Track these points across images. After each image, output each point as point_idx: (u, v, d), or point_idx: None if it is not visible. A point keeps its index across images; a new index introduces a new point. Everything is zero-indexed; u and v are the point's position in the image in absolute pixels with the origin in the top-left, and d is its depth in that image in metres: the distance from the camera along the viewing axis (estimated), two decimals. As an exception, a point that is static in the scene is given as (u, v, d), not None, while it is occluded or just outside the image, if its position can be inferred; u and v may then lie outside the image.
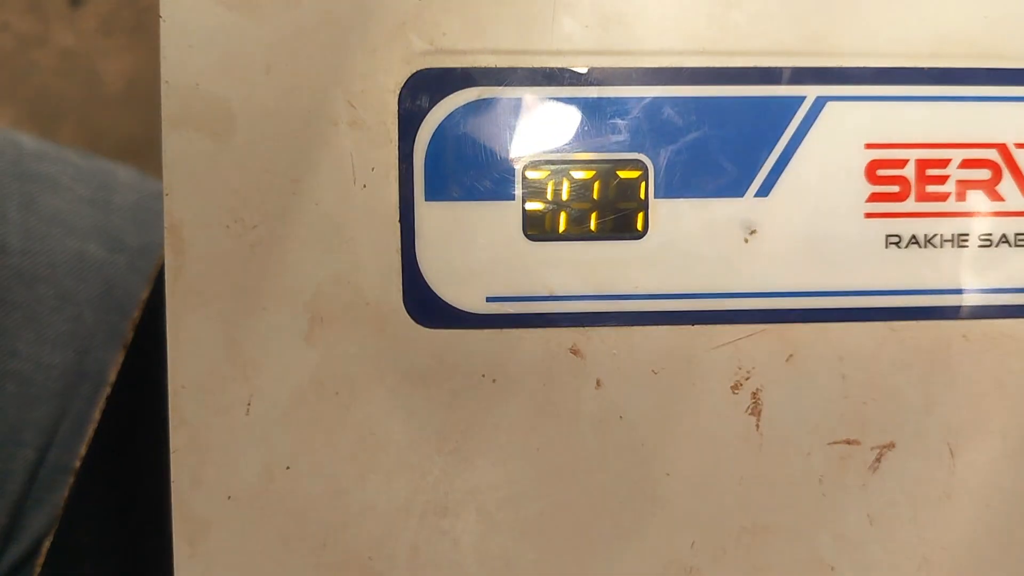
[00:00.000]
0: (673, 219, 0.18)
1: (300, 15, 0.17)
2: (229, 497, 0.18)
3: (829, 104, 0.18)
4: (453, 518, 0.18)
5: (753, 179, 0.18)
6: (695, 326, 0.18)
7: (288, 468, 0.18)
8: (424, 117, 0.18)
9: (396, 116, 0.18)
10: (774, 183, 0.18)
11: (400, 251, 0.18)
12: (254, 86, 0.17)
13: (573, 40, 0.18)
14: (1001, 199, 0.18)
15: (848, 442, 0.19)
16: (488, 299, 0.18)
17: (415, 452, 0.18)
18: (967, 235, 0.18)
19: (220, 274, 0.17)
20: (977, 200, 0.18)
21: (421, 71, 0.18)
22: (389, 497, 0.18)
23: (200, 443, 0.18)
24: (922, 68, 0.18)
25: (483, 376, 0.18)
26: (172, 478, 0.18)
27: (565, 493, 0.18)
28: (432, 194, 0.18)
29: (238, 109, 0.17)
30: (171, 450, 0.18)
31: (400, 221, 0.18)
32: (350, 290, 0.18)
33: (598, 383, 0.18)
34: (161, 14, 0.17)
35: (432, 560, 0.18)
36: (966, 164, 0.18)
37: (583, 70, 0.18)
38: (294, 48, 0.17)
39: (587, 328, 0.18)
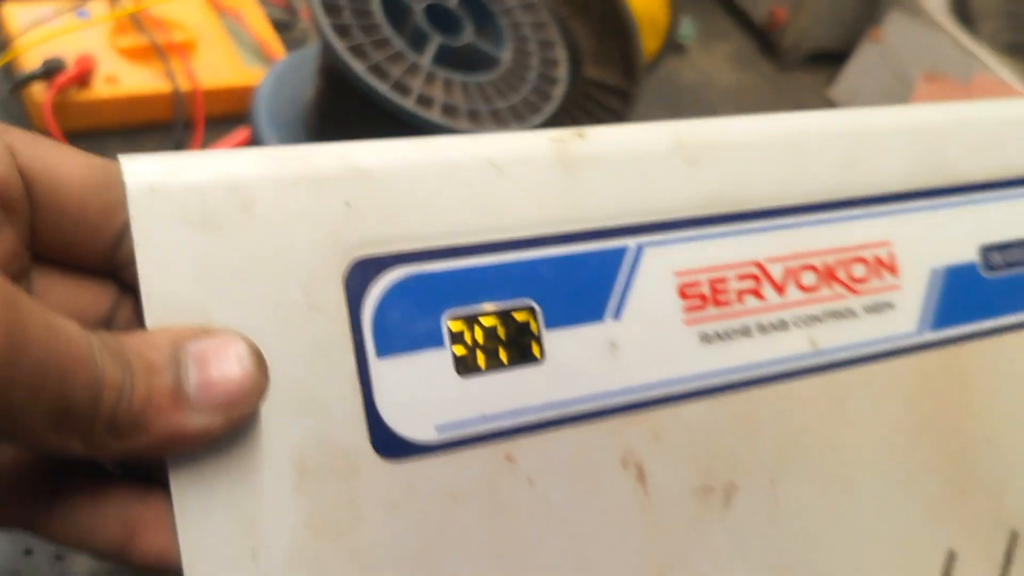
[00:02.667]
0: (560, 345, 0.24)
1: (253, 228, 0.21)
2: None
3: (646, 248, 0.25)
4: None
5: (607, 307, 0.25)
6: (588, 423, 0.24)
7: (294, 605, 0.21)
8: (366, 294, 0.22)
9: (344, 297, 0.22)
10: (622, 308, 0.25)
11: (363, 403, 0.22)
12: (225, 289, 0.21)
13: (468, 225, 0.24)
14: (763, 299, 0.27)
15: (705, 488, 0.25)
16: (437, 428, 0.23)
17: (399, 571, 0.22)
18: (749, 326, 0.26)
19: (211, 445, 0.20)
20: (750, 301, 0.27)
21: (358, 261, 0.22)
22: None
23: (212, 599, 0.20)
24: (699, 217, 0.26)
25: (444, 493, 0.22)
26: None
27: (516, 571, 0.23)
28: (382, 352, 0.22)
29: (212, 309, 0.21)
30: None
31: (359, 379, 0.22)
32: (325, 442, 0.21)
33: (530, 481, 0.23)
34: (135, 240, 0.20)
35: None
36: (740, 277, 0.27)
37: (480, 244, 0.24)
38: (253, 255, 0.21)
39: (515, 439, 0.23)
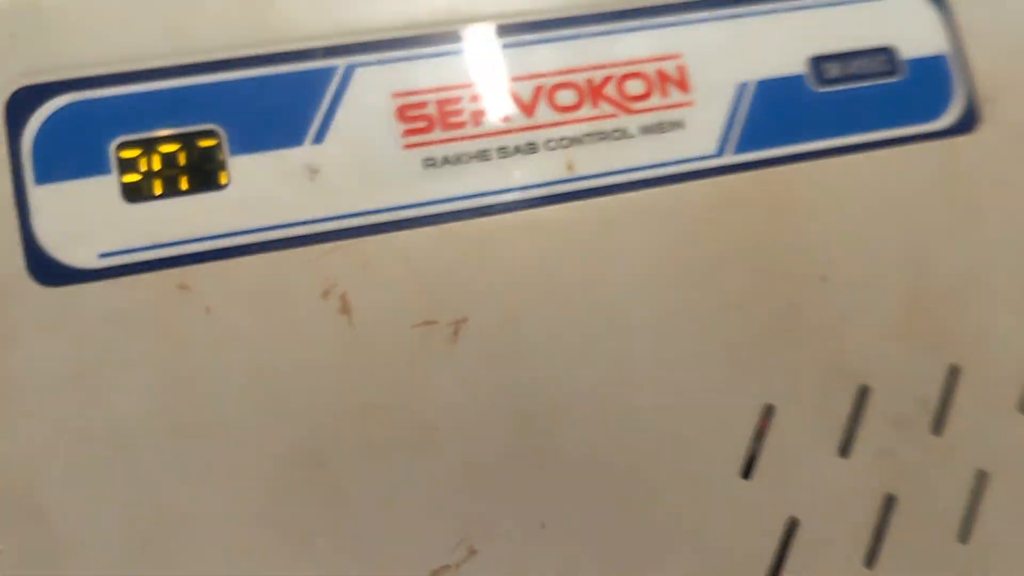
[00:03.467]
0: (249, 170, 0.23)
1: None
2: None
3: (358, 69, 0.24)
4: (95, 448, 0.21)
5: (308, 130, 0.23)
6: (282, 251, 0.23)
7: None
8: (27, 121, 0.22)
9: (4, 125, 0.22)
10: (326, 131, 0.23)
11: (19, 227, 0.21)
12: None
13: (145, 46, 0.23)
14: (508, 119, 0.24)
15: (427, 323, 0.23)
16: (101, 255, 0.22)
17: (54, 395, 0.21)
18: (487, 150, 0.24)
19: None
20: (490, 123, 0.24)
21: (20, 88, 0.22)
22: (31, 436, 0.21)
23: None
24: (429, 34, 0.24)
25: (104, 320, 0.22)
26: None
27: (192, 406, 0.22)
28: (42, 178, 0.22)
29: None
30: None
31: (15, 204, 0.22)
32: (-22, 265, 0.21)
33: (207, 309, 0.22)
34: None
35: (92, 488, 0.21)
36: (474, 98, 0.24)
37: (156, 68, 0.23)
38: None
39: (191, 266, 0.22)
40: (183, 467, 0.21)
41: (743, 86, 0.25)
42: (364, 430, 0.22)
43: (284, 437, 0.22)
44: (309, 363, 0.22)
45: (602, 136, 0.25)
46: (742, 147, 0.25)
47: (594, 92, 0.25)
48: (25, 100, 0.22)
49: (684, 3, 0.26)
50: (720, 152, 0.25)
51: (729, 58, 0.26)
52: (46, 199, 0.22)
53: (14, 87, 0.22)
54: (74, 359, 0.21)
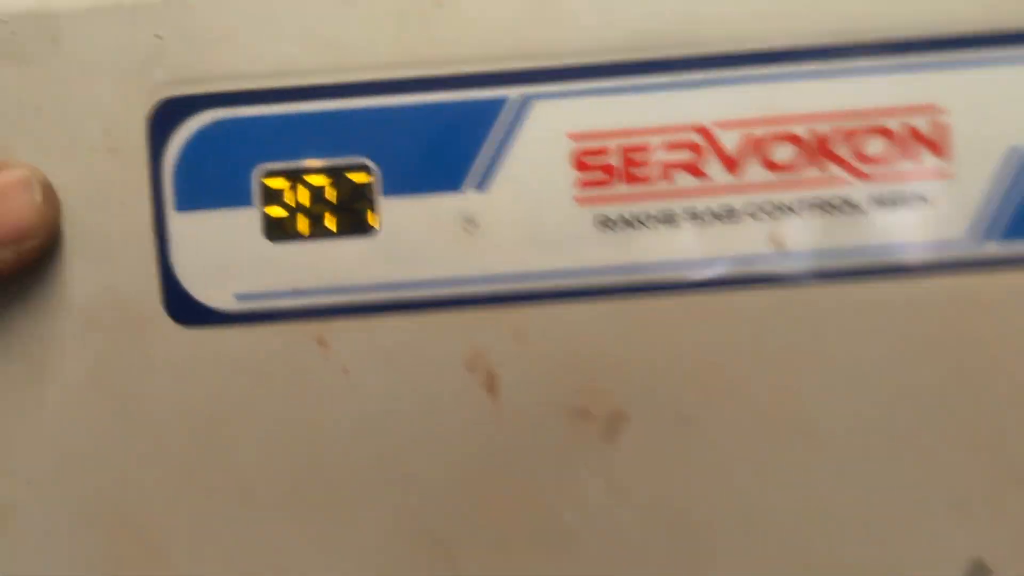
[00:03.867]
0: (400, 215, 0.20)
1: (61, 62, 0.20)
2: (29, 482, 0.20)
3: (534, 102, 0.20)
4: (214, 499, 0.20)
5: (468, 174, 0.20)
6: (429, 313, 0.20)
7: (72, 461, 0.20)
8: (170, 139, 0.20)
9: (146, 140, 0.20)
10: (488, 177, 0.20)
11: (157, 259, 0.20)
12: (28, 124, 0.20)
13: (296, 61, 0.20)
14: (706, 176, 0.20)
15: (582, 414, 0.20)
16: (237, 297, 0.20)
17: (183, 441, 0.20)
18: (674, 212, 0.20)
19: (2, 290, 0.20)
20: (683, 180, 0.20)
21: (164, 100, 0.20)
22: (163, 472, 0.20)
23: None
24: (619, 63, 0.20)
25: (238, 368, 0.20)
26: (-24, 469, 0.20)
27: (318, 470, 0.20)
28: (182, 205, 0.20)
29: (15, 144, 0.20)
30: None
31: (155, 232, 0.20)
32: (116, 295, 0.20)
33: (345, 370, 0.20)
34: (-56, 68, 0.20)
35: (210, 539, 0.20)
36: (669, 147, 0.20)
37: (307, 87, 0.20)
38: (58, 90, 0.20)
39: (331, 320, 0.20)
40: (301, 530, 0.20)
41: (1015, 152, 0.20)
42: (493, 520, 0.20)
43: (408, 512, 0.20)
44: (444, 439, 0.20)
45: (822, 206, 0.20)
46: (1008, 234, 0.20)
47: (819, 148, 0.20)
48: (170, 113, 0.20)
49: (951, 39, 0.20)
50: (976, 239, 0.20)
51: (1002, 115, 0.20)
52: (186, 229, 0.20)
53: (159, 97, 0.20)
54: (204, 406, 0.20)
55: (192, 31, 0.20)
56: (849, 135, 0.20)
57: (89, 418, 0.20)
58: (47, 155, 0.20)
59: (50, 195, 0.19)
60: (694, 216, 0.20)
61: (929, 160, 0.20)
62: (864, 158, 0.20)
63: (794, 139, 0.20)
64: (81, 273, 0.20)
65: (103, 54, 0.20)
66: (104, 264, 0.20)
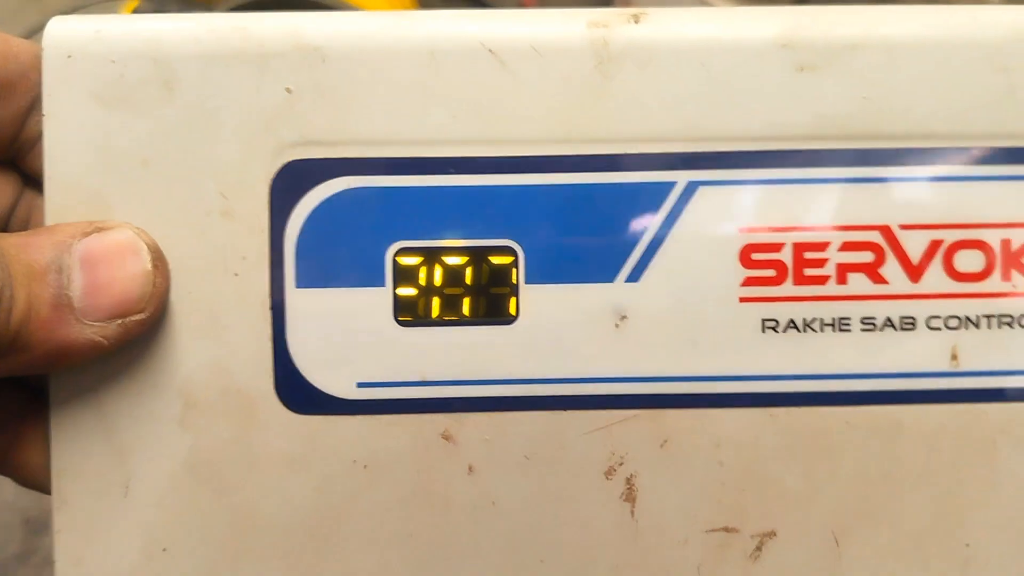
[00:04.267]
0: (544, 304, 0.18)
1: (173, 111, 0.18)
2: (112, 576, 0.18)
3: (701, 188, 0.18)
4: (328, 601, 0.18)
5: (623, 265, 0.18)
6: (567, 411, 0.18)
7: (164, 550, 0.18)
8: (295, 206, 0.18)
9: (268, 206, 0.18)
10: (644, 268, 0.18)
11: (271, 338, 0.18)
12: (132, 179, 0.18)
13: (443, 130, 0.18)
14: (885, 282, 0.18)
15: (727, 530, 0.18)
16: (359, 384, 0.18)
17: (287, 537, 0.18)
18: (849, 319, 0.18)
19: (97, 360, 0.18)
20: (859, 283, 0.18)
21: (292, 162, 0.18)
22: (264, 573, 0.18)
23: (81, 524, 0.18)
24: (798, 151, 0.18)
25: (355, 462, 0.18)
26: (56, 558, 0.18)
27: (431, 571, 0.18)
28: (303, 281, 0.18)
29: (116, 201, 0.18)
30: (54, 531, 0.18)
31: (271, 308, 0.18)
32: (222, 376, 0.18)
33: (470, 469, 0.18)
34: (44, 112, 0.18)
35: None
36: (847, 247, 0.18)
37: (453, 158, 0.18)
38: (169, 142, 0.18)
39: (460, 413, 0.18)
40: (418, 643, 0.18)
41: None
42: (629, 641, 0.18)
43: (535, 630, 0.18)
44: (575, 550, 0.18)
45: (1006, 320, 0.18)
46: None
47: (1009, 259, 0.18)
48: (297, 178, 0.18)
49: None
50: None
51: None
52: (306, 307, 0.18)
53: (285, 160, 0.18)
54: (316, 500, 0.18)
55: (327, 86, 0.18)
56: (1043, 246, 0.18)
57: (183, 509, 0.18)
58: (153, 216, 0.18)
59: (160, 263, 0.17)
60: (868, 322, 0.18)
61: None
62: (1057, 272, 0.18)
63: (981, 245, 0.18)
64: (185, 349, 0.18)
65: (223, 105, 0.18)
66: (211, 340, 0.18)
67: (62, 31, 0.18)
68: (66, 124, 0.18)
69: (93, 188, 0.18)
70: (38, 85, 0.18)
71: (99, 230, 0.17)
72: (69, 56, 0.18)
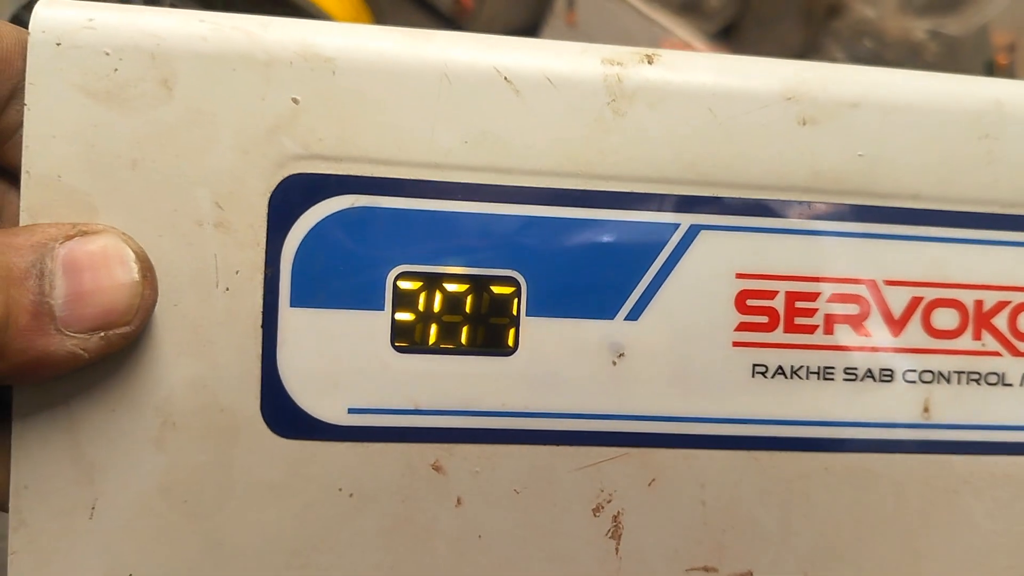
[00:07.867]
0: (544, 337, 0.18)
1: (170, 111, 0.17)
2: (68, 602, 0.17)
3: (703, 233, 0.18)
4: (301, 632, 0.18)
5: (624, 302, 0.18)
6: (559, 446, 0.18)
7: (129, 576, 0.17)
8: (294, 222, 0.17)
9: (265, 219, 0.17)
10: (644, 307, 0.18)
11: (260, 357, 0.17)
12: (119, 181, 0.17)
13: (452, 154, 0.18)
14: (868, 335, 0.19)
15: (706, 569, 0.19)
16: (351, 410, 0.18)
17: (262, 566, 0.17)
18: (833, 368, 0.19)
19: (69, 372, 0.17)
20: (845, 334, 0.19)
21: (294, 176, 0.17)
22: (235, 609, 0.17)
23: (39, 546, 0.17)
24: (797, 201, 0.18)
25: (340, 490, 0.18)
26: (6, 581, 0.17)
27: (418, 611, 0.18)
28: (298, 300, 0.17)
29: (100, 204, 0.17)
30: (9, 552, 0.17)
31: (262, 326, 0.17)
32: (205, 395, 0.17)
33: (459, 501, 0.18)
34: (26, 102, 0.17)
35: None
36: (836, 298, 0.19)
37: (461, 184, 0.18)
38: (162, 144, 0.17)
39: (451, 444, 0.18)
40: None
41: None
42: (605, 677, 0.18)
43: (512, 664, 0.18)
44: (559, 584, 0.18)
45: (974, 377, 0.19)
46: None
47: (980, 319, 0.19)
48: (298, 192, 0.17)
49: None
50: (1112, 427, 0.19)
51: None
52: (299, 327, 0.17)
53: (287, 173, 0.17)
54: (296, 528, 0.18)
55: (335, 99, 0.17)
56: (1013, 309, 0.19)
57: (152, 534, 0.17)
58: (139, 221, 0.17)
59: (149, 273, 0.16)
60: (850, 373, 0.19)
61: (1082, 343, 0.19)
62: (1021, 335, 0.19)
63: (958, 305, 0.19)
64: (166, 364, 0.17)
65: (224, 110, 0.17)
66: (195, 357, 0.17)
67: (51, 16, 0.17)
68: (49, 116, 0.17)
69: (75, 187, 0.17)
70: (22, 72, 0.17)
71: (83, 233, 0.16)
72: (58, 44, 0.17)
